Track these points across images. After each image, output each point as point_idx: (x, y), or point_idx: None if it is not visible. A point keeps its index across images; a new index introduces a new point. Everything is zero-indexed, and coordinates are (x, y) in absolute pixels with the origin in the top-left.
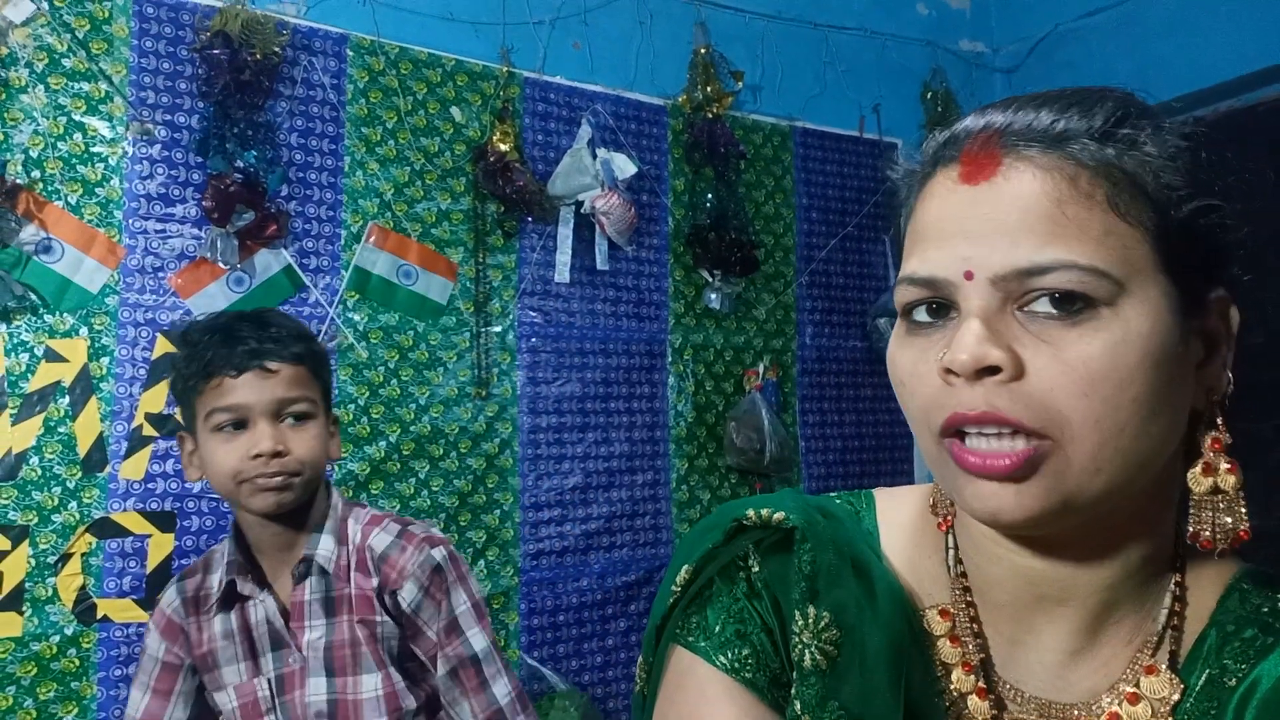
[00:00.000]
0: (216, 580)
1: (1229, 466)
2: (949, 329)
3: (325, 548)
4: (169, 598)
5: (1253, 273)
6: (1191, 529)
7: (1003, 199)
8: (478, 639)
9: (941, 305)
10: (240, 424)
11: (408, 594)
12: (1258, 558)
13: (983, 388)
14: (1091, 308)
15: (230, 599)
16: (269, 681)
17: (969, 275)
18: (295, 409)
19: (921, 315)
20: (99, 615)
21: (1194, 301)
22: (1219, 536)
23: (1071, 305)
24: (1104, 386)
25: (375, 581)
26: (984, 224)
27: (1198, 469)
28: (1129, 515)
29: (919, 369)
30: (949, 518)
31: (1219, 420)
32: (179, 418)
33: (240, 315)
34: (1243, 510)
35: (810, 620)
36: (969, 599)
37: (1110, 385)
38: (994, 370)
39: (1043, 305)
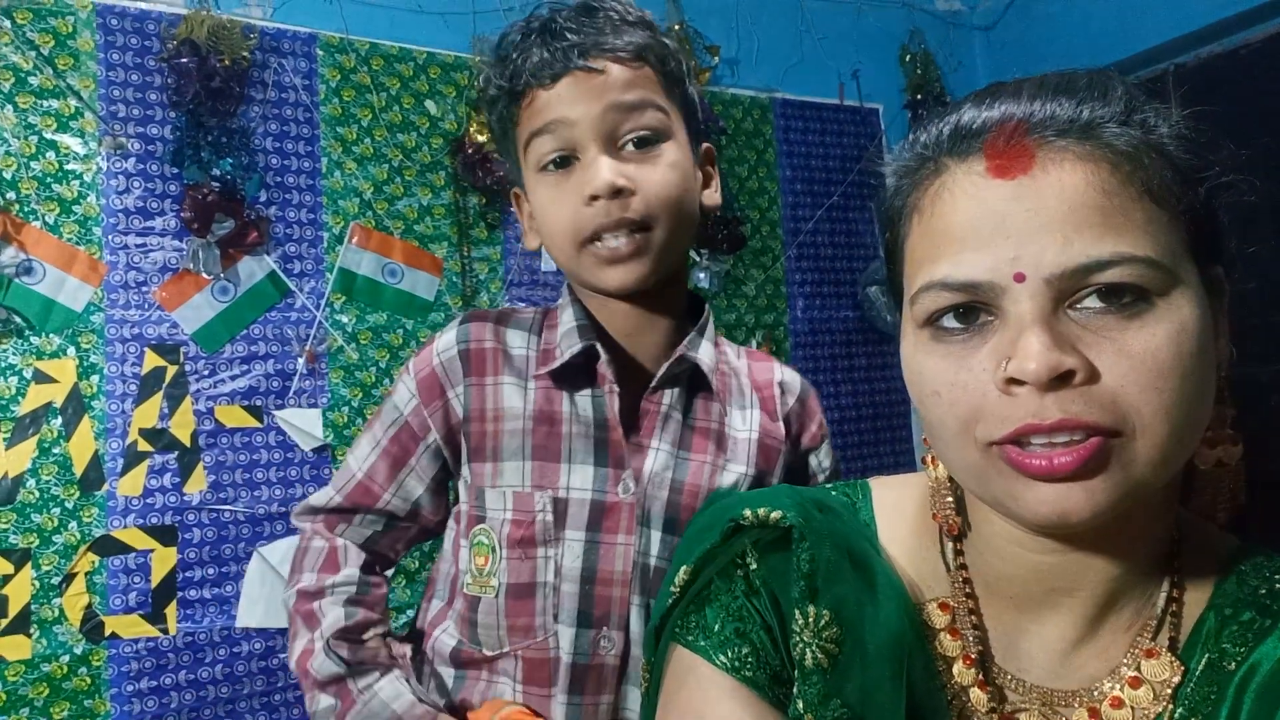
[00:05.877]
0: (527, 341)
1: (1234, 437)
2: (988, 335)
3: (707, 354)
4: (445, 343)
5: (1242, 216)
6: (1198, 501)
7: (1047, 193)
8: None
9: (970, 309)
10: (568, 160)
11: (822, 459)
12: (1254, 506)
13: (1053, 395)
14: (1143, 299)
15: (570, 375)
16: (565, 504)
17: (1019, 277)
18: (637, 125)
19: (951, 322)
20: (107, 633)
21: (1207, 281)
22: (1221, 507)
23: (1121, 298)
24: (1171, 378)
25: (782, 429)
26: (1030, 221)
27: (1205, 443)
28: (1149, 503)
29: (960, 378)
30: (953, 525)
31: (1225, 394)
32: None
33: (563, 2)
34: (1242, 482)
35: (810, 619)
36: (969, 590)
37: (1176, 377)
38: (1067, 376)
39: (1092, 301)
